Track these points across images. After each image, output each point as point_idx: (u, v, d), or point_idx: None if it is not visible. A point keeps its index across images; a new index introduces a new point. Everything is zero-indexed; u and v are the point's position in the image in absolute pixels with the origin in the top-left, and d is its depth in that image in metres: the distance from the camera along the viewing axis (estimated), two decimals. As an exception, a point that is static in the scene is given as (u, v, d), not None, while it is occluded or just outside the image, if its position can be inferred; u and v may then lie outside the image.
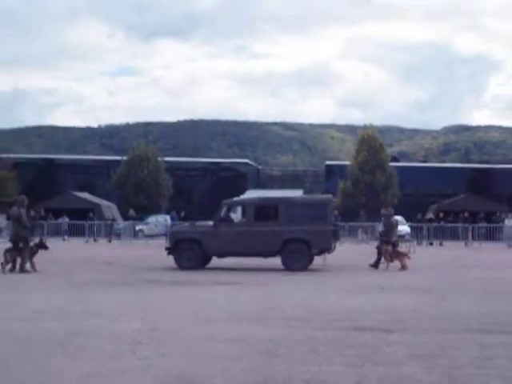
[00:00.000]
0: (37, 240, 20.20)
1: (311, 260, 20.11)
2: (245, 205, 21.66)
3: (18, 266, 18.02)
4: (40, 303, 11.60)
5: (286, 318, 10.02)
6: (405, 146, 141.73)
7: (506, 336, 8.58)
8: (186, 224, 24.52)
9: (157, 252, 24.49)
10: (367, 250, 21.49)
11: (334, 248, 20.49)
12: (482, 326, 9.30)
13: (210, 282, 15.97)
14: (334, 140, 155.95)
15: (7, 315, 10.24)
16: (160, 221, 46.79)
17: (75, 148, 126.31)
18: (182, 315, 10.30)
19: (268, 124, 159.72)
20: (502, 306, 11.67)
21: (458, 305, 11.76)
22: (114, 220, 46.95)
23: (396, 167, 60.29)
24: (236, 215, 23.93)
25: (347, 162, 62.21)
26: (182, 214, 44.68)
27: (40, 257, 18.75)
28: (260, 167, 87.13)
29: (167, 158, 65.55)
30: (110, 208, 52.65)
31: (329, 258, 20.97)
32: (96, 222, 42.84)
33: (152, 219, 47.88)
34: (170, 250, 20.41)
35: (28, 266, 18.13)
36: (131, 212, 46.64)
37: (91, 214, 45.68)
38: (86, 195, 54.27)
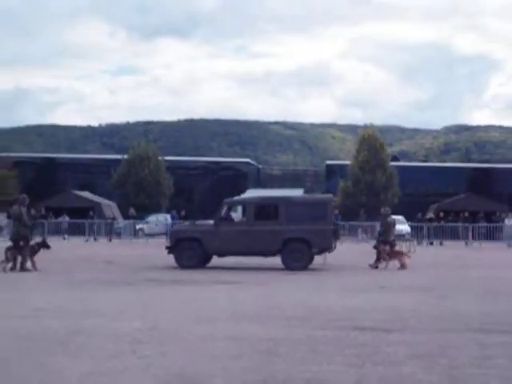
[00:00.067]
0: (39, 239, 20.24)
1: (311, 259, 20.11)
2: (245, 204, 21.65)
3: (18, 265, 18.03)
4: (40, 302, 11.60)
5: (286, 317, 10.01)
6: (405, 146, 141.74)
7: (506, 335, 8.58)
8: (187, 223, 24.51)
9: (157, 251, 24.49)
10: (367, 249, 21.49)
11: (335, 247, 20.50)
12: (482, 325, 9.29)
13: (210, 281, 15.97)
14: (334, 139, 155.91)
15: (8, 313, 10.24)
16: (160, 220, 46.80)
17: (76, 147, 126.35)
18: (182, 314, 10.30)
19: (269, 123, 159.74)
20: (502, 306, 11.67)
21: (458, 304, 11.76)
22: (114, 219, 46.94)
23: (396, 167, 60.31)
24: (236, 214, 23.92)
25: (348, 162, 62.23)
26: (183, 213, 44.68)
27: (40, 255, 18.75)
28: (260, 166, 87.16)
29: (168, 157, 65.57)
30: (110, 207, 52.66)
31: (329, 257, 20.97)
32: (96, 221, 42.85)
33: (152, 218, 47.89)
34: (170, 249, 20.42)
35: (29, 264, 18.15)
36: (131, 211, 46.64)
37: (91, 213, 45.67)
38: (86, 194, 54.26)
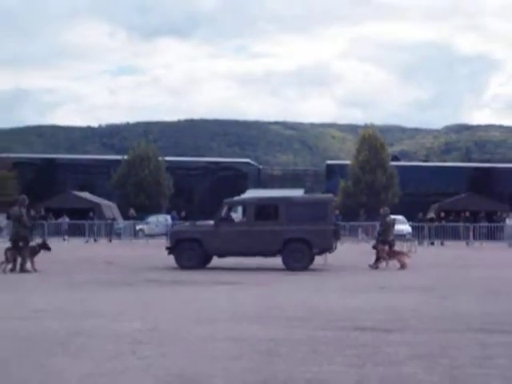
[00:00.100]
0: (39, 240, 20.24)
1: (312, 260, 20.09)
2: (245, 204, 21.64)
3: (18, 266, 18.02)
4: (40, 303, 11.60)
5: (286, 317, 10.01)
6: (406, 146, 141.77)
7: (508, 335, 8.57)
8: (187, 223, 24.52)
9: (157, 252, 24.49)
10: (368, 249, 21.49)
11: (335, 248, 20.49)
12: (483, 325, 9.29)
13: (210, 281, 15.97)
14: (334, 139, 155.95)
15: (8, 315, 10.24)
16: (160, 220, 46.80)
17: (75, 147, 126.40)
18: (182, 315, 10.30)
19: (269, 123, 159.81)
20: (503, 306, 11.66)
21: (459, 304, 11.76)
22: (114, 220, 46.95)
23: (397, 166, 60.29)
24: (237, 215, 23.92)
25: (348, 162, 62.19)
26: (183, 213, 44.66)
27: (40, 257, 18.76)
28: (261, 167, 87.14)
29: (168, 158, 65.53)
30: (110, 207, 52.67)
31: (329, 257, 20.96)
32: (96, 222, 42.82)
33: (152, 219, 47.87)
34: (170, 250, 20.41)
35: (28, 265, 18.15)
36: (132, 211, 46.64)
37: (91, 214, 45.68)
38: (86, 195, 54.27)
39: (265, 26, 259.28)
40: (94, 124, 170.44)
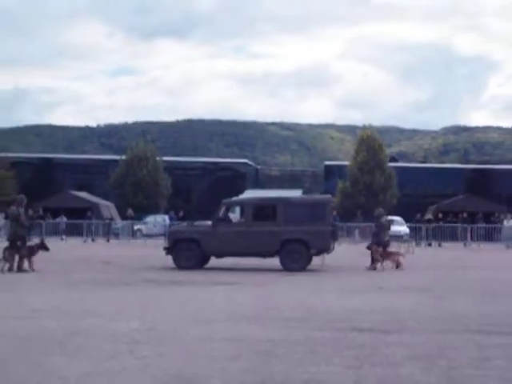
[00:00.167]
0: (37, 240, 20.22)
1: (310, 260, 20.09)
2: (243, 205, 21.64)
3: (15, 265, 18.00)
4: (38, 302, 11.59)
5: (284, 318, 10.01)
6: (404, 147, 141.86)
7: (505, 337, 8.58)
8: (185, 224, 24.47)
9: (155, 252, 24.46)
10: (365, 250, 21.47)
11: (333, 248, 20.48)
12: (480, 326, 9.29)
13: (208, 281, 15.95)
14: (333, 140, 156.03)
15: (5, 314, 10.23)
16: (158, 220, 46.74)
17: (74, 147, 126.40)
18: (180, 315, 10.30)
19: (267, 124, 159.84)
20: (500, 307, 11.67)
21: (457, 305, 11.76)
22: (112, 219, 46.96)
23: (395, 167, 60.37)
24: (234, 215, 23.91)
25: (346, 163, 62.29)
26: (181, 213, 44.66)
27: (38, 256, 18.72)
28: (259, 167, 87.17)
29: (166, 158, 65.52)
30: (108, 207, 52.66)
31: (327, 258, 20.95)
32: (94, 222, 42.80)
33: (150, 219, 47.84)
34: (168, 250, 20.39)
35: (26, 265, 18.13)
36: (129, 211, 46.64)
37: (89, 214, 45.62)
38: (84, 194, 54.29)
39: (263, 27, 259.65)
40: (93, 124, 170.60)
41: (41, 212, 43.88)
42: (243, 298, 12.83)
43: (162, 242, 29.28)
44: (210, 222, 20.65)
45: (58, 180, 67.92)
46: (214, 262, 20.59)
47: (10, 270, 17.85)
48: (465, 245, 38.03)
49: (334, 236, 20.60)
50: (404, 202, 56.99)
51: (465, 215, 42.43)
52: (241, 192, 46.41)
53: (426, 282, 16.22)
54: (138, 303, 11.78)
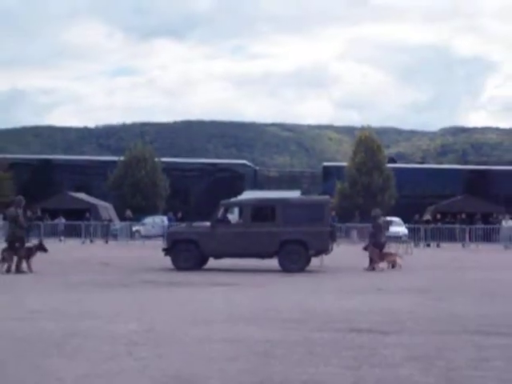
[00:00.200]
0: (35, 241, 20.22)
1: (308, 261, 20.09)
2: (242, 206, 21.67)
3: (13, 267, 17.99)
4: (36, 304, 11.59)
5: (282, 319, 10.01)
6: (402, 148, 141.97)
7: (504, 338, 8.58)
8: (183, 225, 24.47)
9: (154, 253, 24.48)
10: (363, 251, 21.48)
11: (331, 249, 20.49)
12: (479, 327, 9.30)
13: (206, 283, 15.96)
14: (331, 141, 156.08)
15: (4, 316, 10.22)
16: (157, 222, 46.74)
17: (72, 148, 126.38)
18: (178, 316, 10.30)
19: (265, 125, 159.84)
20: (499, 308, 11.68)
21: (455, 306, 11.77)
22: (110, 221, 46.90)
23: (393, 168, 60.35)
24: (233, 216, 23.90)
25: (345, 164, 62.27)
26: (179, 214, 44.66)
27: (36, 257, 18.72)
28: (257, 168, 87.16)
29: (164, 159, 65.48)
30: (106, 209, 52.61)
31: (326, 259, 20.96)
32: (93, 223, 42.77)
33: (149, 220, 47.83)
34: (167, 251, 20.39)
35: (24, 266, 18.12)
36: (128, 213, 46.56)
37: (88, 215, 45.61)
38: (82, 196, 54.21)
39: (262, 27, 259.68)
40: (91, 125, 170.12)
41: (39, 213, 43.86)
42: (242, 298, 12.83)
43: (160, 243, 29.29)
44: (208, 223, 20.66)
45: (56, 181, 67.86)
46: (212, 262, 20.59)
47: (9, 271, 17.84)
48: (463, 245, 38.05)
49: (332, 237, 20.62)
50: (402, 202, 56.99)
51: (463, 216, 42.46)
52: (239, 193, 46.37)
53: (425, 283, 16.23)
54: (137, 304, 11.78)
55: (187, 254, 19.95)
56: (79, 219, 42.84)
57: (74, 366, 6.76)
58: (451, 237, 39.17)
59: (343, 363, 6.96)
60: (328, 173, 71.57)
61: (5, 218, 21.73)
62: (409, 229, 39.81)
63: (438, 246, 38.34)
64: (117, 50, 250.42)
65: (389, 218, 37.19)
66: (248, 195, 37.60)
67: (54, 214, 45.03)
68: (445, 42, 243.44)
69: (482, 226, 40.18)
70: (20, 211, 18.71)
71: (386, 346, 7.85)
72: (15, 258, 18.09)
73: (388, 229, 22.40)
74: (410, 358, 7.18)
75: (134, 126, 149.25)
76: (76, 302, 12.04)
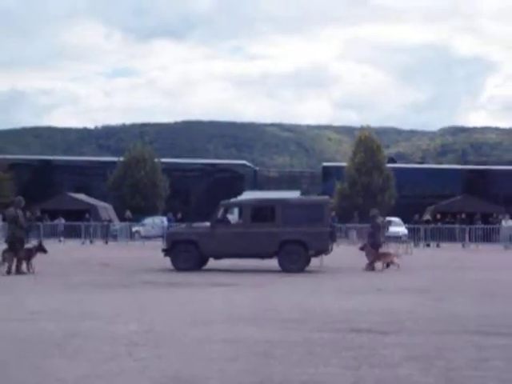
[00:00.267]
0: (35, 242, 20.23)
1: (308, 261, 20.11)
2: (242, 206, 21.69)
3: (14, 268, 17.99)
4: (37, 304, 11.60)
5: (282, 319, 10.03)
6: (402, 148, 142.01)
7: (503, 338, 8.59)
8: (183, 225, 24.48)
9: (153, 253, 24.49)
10: (362, 251, 21.53)
11: (331, 249, 20.51)
12: (478, 327, 9.32)
13: (206, 283, 15.98)
14: (331, 141, 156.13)
15: (4, 316, 10.24)
16: (157, 222, 46.73)
17: (72, 149, 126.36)
18: (178, 317, 10.31)
19: (265, 125, 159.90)
20: (498, 308, 11.69)
21: (455, 306, 11.79)
22: (110, 221, 46.90)
23: (393, 168, 60.34)
24: (233, 216, 23.91)
25: (344, 164, 62.27)
26: (179, 215, 44.66)
27: (36, 258, 18.73)
28: (257, 168, 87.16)
29: (164, 159, 65.46)
30: (106, 209, 52.60)
31: (325, 259, 20.97)
32: (92, 224, 42.77)
33: (148, 220, 47.82)
34: (166, 252, 20.39)
35: (24, 267, 18.13)
36: (128, 213, 46.56)
37: (87, 216, 45.61)
38: (82, 196, 54.22)
39: (261, 28, 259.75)
40: (91, 125, 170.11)
41: (39, 214, 43.84)
42: (242, 299, 12.84)
43: (160, 244, 29.23)
44: (208, 224, 20.67)
45: (56, 182, 67.89)
46: (212, 263, 20.60)
47: (9, 272, 17.84)
48: (463, 245, 38.07)
49: (332, 237, 20.64)
50: (402, 202, 57.00)
51: (463, 216, 42.47)
52: (239, 193, 46.34)
53: (425, 283, 16.24)
54: (137, 305, 11.79)
55: (187, 255, 19.95)
56: (79, 220, 42.83)
57: (75, 367, 6.77)
58: (451, 237, 39.19)
59: (343, 363, 6.97)
60: (327, 173, 71.59)
61: (4, 219, 21.69)
62: (408, 229, 39.84)
63: (437, 246, 38.35)
64: (116, 51, 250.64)
65: (388, 218, 37.22)
66: (248, 195, 37.59)
67: (53, 215, 45.04)
68: (444, 42, 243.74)
69: (482, 225, 40.17)
70: (20, 212, 18.71)
71: (386, 346, 7.87)
72: (15, 259, 18.08)
73: (388, 228, 22.40)
74: (409, 358, 7.20)
75: (133, 126, 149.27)
76: (76, 302, 12.05)
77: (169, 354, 7.44)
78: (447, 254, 30.94)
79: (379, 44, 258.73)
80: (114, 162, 62.96)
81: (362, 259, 21.10)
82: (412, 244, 33.48)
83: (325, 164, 78.30)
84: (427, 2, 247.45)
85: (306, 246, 19.57)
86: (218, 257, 20.49)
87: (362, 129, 65.21)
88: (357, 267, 20.73)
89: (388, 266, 20.43)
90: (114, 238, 42.38)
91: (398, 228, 39.40)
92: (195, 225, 22.11)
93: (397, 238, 33.81)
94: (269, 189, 69.63)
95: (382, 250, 21.48)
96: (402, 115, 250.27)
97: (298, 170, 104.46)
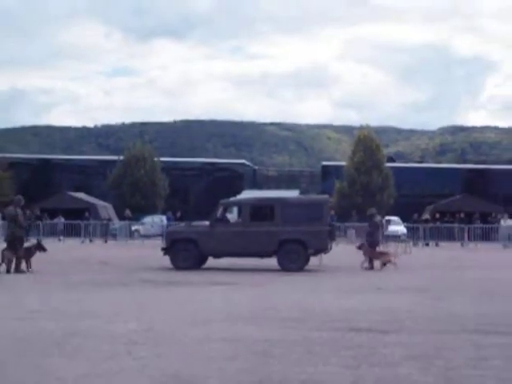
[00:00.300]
0: (34, 240, 20.25)
1: (307, 260, 20.12)
2: (241, 205, 21.71)
3: (13, 266, 17.99)
4: (36, 303, 11.62)
5: (281, 318, 10.04)
6: (401, 147, 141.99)
7: (502, 337, 8.61)
8: (182, 224, 24.50)
9: (153, 252, 24.51)
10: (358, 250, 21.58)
11: (330, 248, 20.54)
12: (477, 326, 9.33)
13: (205, 282, 15.99)
14: (330, 140, 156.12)
15: (4, 315, 10.25)
16: (156, 221, 46.77)
17: (71, 148, 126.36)
18: (177, 315, 10.33)
19: (264, 124, 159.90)
20: (497, 307, 11.72)
21: (454, 305, 11.81)
22: (109, 220, 46.91)
23: (392, 168, 60.36)
24: (232, 215, 23.92)
25: (343, 163, 62.28)
26: (178, 214, 44.69)
27: (36, 257, 18.76)
28: (256, 167, 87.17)
29: (163, 158, 65.50)
30: (105, 208, 52.57)
31: (325, 258, 21.01)
32: (92, 222, 42.79)
33: (148, 219, 47.85)
34: (166, 251, 20.42)
35: (23, 265, 18.14)
36: (127, 212, 46.59)
37: (87, 214, 45.64)
38: (81, 195, 54.15)
39: (261, 27, 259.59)
40: (90, 124, 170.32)
41: (38, 213, 43.84)
42: (241, 298, 12.86)
43: (159, 243, 29.28)
44: (207, 223, 20.69)
45: (55, 181, 67.93)
46: (211, 262, 20.62)
47: (8, 271, 17.84)
48: (462, 245, 38.11)
49: (331, 236, 20.66)
50: (401, 202, 57.02)
51: (462, 215, 42.55)
52: (238, 192, 46.36)
53: (424, 282, 16.27)
54: (136, 304, 11.81)
55: (186, 254, 19.98)
56: (78, 219, 42.85)
57: (74, 366, 6.78)
58: (450, 236, 39.24)
59: (342, 362, 6.99)
60: (327, 172, 71.60)
61: (4, 218, 21.71)
62: (408, 228, 39.89)
63: (436, 245, 38.38)
64: (116, 50, 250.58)
65: (388, 218, 37.32)
66: (247, 194, 37.63)
67: (53, 214, 45.04)
68: (444, 41, 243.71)
69: (481, 225, 40.24)
70: (19, 211, 18.71)
71: (385, 345, 7.88)
72: (14, 258, 18.09)
73: (387, 228, 22.45)
74: (408, 357, 7.21)
75: (133, 125, 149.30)
76: (75, 301, 12.06)
77: (168, 352, 7.44)
78: (446, 253, 30.98)
79: (379, 44, 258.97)
80: (113, 161, 62.95)
81: (361, 258, 21.13)
82: (411, 243, 33.51)
83: (324, 163, 78.31)
84: (427, 2, 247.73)
85: (305, 244, 19.59)
86: (217, 256, 20.51)
87: (361, 128, 65.15)
88: (356, 266, 20.77)
89: (385, 264, 20.45)
90: (114, 236, 42.39)
91: (397, 227, 39.47)
92: (194, 224, 22.12)
93: (396, 237, 33.88)
94: (268, 188, 69.74)
95: (380, 249, 21.50)
96: (401, 115, 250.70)
97: (298, 169, 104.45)
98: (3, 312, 10.67)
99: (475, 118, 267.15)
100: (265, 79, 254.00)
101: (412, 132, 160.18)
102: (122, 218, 47.56)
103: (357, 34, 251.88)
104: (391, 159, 72.28)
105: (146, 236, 42.61)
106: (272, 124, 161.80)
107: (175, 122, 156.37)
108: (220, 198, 23.89)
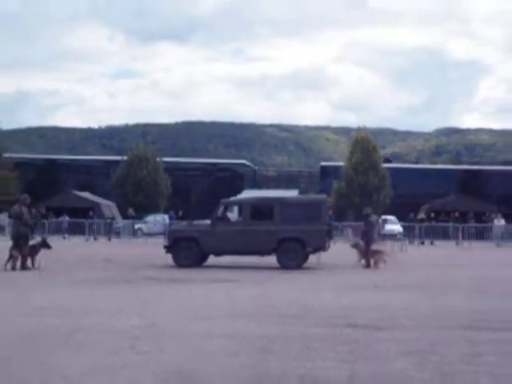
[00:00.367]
0: (39, 238, 20.42)
1: (306, 258, 20.27)
2: (241, 204, 21.85)
3: (19, 264, 18.14)
4: (41, 300, 11.68)
5: (280, 315, 10.11)
6: (398, 148, 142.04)
7: (496, 333, 8.71)
8: (184, 223, 24.63)
9: (155, 250, 24.58)
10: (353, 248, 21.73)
11: (328, 247, 20.66)
12: (472, 323, 9.42)
13: (207, 279, 16.06)
14: (328, 142, 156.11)
15: (10, 312, 10.33)
16: (158, 220, 46.81)
17: (76, 148, 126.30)
18: (179, 312, 10.41)
19: (264, 126, 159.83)
20: (491, 304, 11.81)
21: (449, 302, 11.89)
22: (113, 219, 46.98)
23: (389, 168, 60.53)
24: (233, 214, 24.08)
25: (341, 163, 62.35)
26: (180, 213, 44.77)
27: (41, 255, 18.82)
28: (256, 168, 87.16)
29: (166, 159, 65.56)
30: (109, 207, 52.71)
31: (323, 256, 21.10)
32: (96, 221, 42.87)
33: (151, 218, 47.90)
34: (168, 249, 20.55)
35: (29, 263, 18.28)
36: (130, 211, 46.72)
37: (91, 213, 45.79)
38: (86, 194, 54.35)
39: (261, 30, 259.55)
40: (94, 126, 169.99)
41: (44, 211, 43.93)
42: (241, 295, 12.91)
43: (162, 241, 29.41)
44: (208, 221, 20.83)
45: (60, 180, 67.99)
46: (212, 260, 20.73)
47: (14, 268, 17.97)
48: (457, 243, 38.19)
49: (329, 234, 20.79)
50: (397, 201, 57.08)
51: (456, 215, 42.70)
52: (239, 192, 46.50)
53: (420, 280, 16.29)
54: (139, 300, 11.88)
55: (188, 252, 20.12)
56: (83, 217, 42.96)
57: (79, 361, 6.89)
58: (445, 235, 39.38)
59: (339, 358, 7.09)
60: (325, 172, 71.68)
61: (10, 216, 21.91)
62: (404, 227, 40.00)
63: (432, 243, 38.50)
64: (119, 53, 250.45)
65: (384, 217, 37.50)
66: (247, 194, 37.78)
67: (58, 212, 45.14)
68: (439, 45, 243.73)
69: (475, 224, 40.36)
70: (25, 209, 18.84)
71: (382, 341, 7.98)
72: (20, 256, 18.23)
73: (383, 227, 22.60)
74: (404, 353, 7.31)
75: (136, 126, 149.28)
76: (80, 298, 12.13)
77: (170, 347, 7.55)
78: (441, 251, 31.07)
79: (376, 47, 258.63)
80: (117, 161, 63.13)
81: (355, 257, 21.33)
82: (407, 242, 33.61)
83: (322, 164, 78.35)
84: (423, 6, 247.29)
85: (303, 243, 19.73)
86: (218, 254, 20.66)
87: (358, 130, 65.23)
88: (353, 264, 20.90)
89: (376, 263, 20.51)
90: (117, 235, 42.51)
91: (394, 226, 39.60)
92: (196, 222, 22.21)
93: (392, 236, 34.09)
94: (268, 188, 69.79)
95: (374, 247, 21.62)
96: (397, 117, 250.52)
97: (297, 170, 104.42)
98: (9, 309, 10.75)
99: (470, 121, 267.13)
100: (264, 81, 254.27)
101: (408, 134, 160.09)
102: (125, 216, 47.69)
103: (355, 37, 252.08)
104: (388, 160, 72.38)
105: (149, 234, 42.65)
106: (271, 125, 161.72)
107: (177, 124, 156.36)
108: (221, 197, 24.02)
